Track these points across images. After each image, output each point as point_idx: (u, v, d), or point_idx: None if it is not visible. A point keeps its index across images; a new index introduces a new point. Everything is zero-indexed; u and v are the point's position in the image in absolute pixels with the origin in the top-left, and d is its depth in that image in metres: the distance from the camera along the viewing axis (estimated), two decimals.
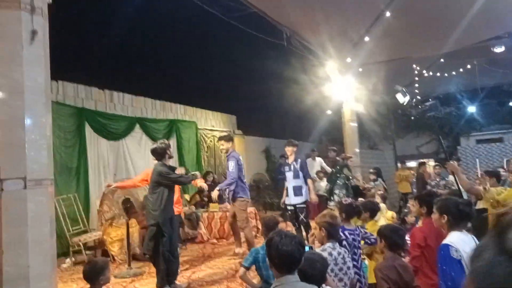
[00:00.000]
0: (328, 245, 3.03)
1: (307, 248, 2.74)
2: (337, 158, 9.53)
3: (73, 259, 6.23)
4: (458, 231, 2.63)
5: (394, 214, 6.61)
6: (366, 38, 9.36)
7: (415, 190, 10.56)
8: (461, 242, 2.56)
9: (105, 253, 6.29)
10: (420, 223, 3.97)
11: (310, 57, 9.37)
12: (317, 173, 10.83)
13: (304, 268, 2.24)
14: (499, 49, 10.09)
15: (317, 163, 11.45)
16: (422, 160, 12.37)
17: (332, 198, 8.32)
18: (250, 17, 6.75)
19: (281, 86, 11.22)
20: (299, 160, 6.59)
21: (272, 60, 9.62)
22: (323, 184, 10.24)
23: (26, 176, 2.89)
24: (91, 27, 9.64)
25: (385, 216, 6.41)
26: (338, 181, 8.35)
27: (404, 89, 10.90)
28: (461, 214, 2.65)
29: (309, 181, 6.53)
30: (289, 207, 6.64)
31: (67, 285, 5.15)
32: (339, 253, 3.02)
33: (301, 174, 6.47)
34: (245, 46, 9.99)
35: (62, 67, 7.29)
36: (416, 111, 14.15)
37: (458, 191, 5.12)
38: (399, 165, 14.45)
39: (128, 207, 5.65)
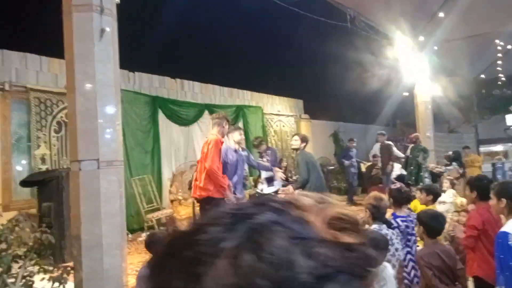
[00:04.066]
0: (374, 226, 3.06)
1: None
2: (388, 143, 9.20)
3: (148, 233, 6.90)
4: None
5: (464, 201, 6.26)
6: (441, 14, 8.77)
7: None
8: None
9: None
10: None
11: (377, 38, 9.02)
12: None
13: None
14: None
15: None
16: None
17: (421, 183, 7.99)
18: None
19: (347, 69, 10.97)
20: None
21: (338, 43, 9.44)
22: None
23: (99, 158, 3.33)
24: (165, 22, 10.30)
25: (455, 202, 6.12)
26: (421, 166, 8.02)
27: None
28: None
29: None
30: None
31: (141, 256, 5.77)
32: (385, 234, 3.03)
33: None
34: (309, 30, 9.92)
35: (138, 60, 7.97)
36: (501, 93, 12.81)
37: None
38: (480, 149, 13.43)
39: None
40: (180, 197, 6.97)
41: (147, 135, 7.99)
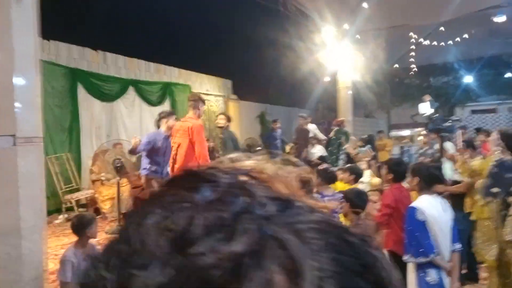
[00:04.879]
0: None
1: None
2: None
3: (65, 215, 6.48)
4: (428, 195, 2.85)
5: (378, 181, 6.83)
6: (365, 4, 9.26)
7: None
8: (429, 205, 2.80)
9: (97, 211, 6.53)
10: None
11: (307, 23, 9.28)
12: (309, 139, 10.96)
13: None
14: (500, 19, 10.00)
15: (310, 130, 11.58)
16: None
17: (336, 164, 8.47)
18: None
19: (277, 52, 11.15)
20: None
21: (269, 25, 9.50)
22: (315, 150, 10.40)
23: (16, 134, 3.01)
24: None
25: (370, 182, 6.66)
26: (340, 147, 8.55)
27: (433, 100, 9.51)
28: (430, 176, 2.90)
29: None
30: None
31: (59, 239, 5.41)
32: None
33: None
34: (241, 10, 9.84)
35: (55, 27, 7.25)
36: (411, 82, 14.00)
37: (439, 159, 5.33)
38: (391, 133, 14.65)
39: (119, 167, 5.82)
40: (102, 178, 6.62)
41: (64, 110, 7.40)
